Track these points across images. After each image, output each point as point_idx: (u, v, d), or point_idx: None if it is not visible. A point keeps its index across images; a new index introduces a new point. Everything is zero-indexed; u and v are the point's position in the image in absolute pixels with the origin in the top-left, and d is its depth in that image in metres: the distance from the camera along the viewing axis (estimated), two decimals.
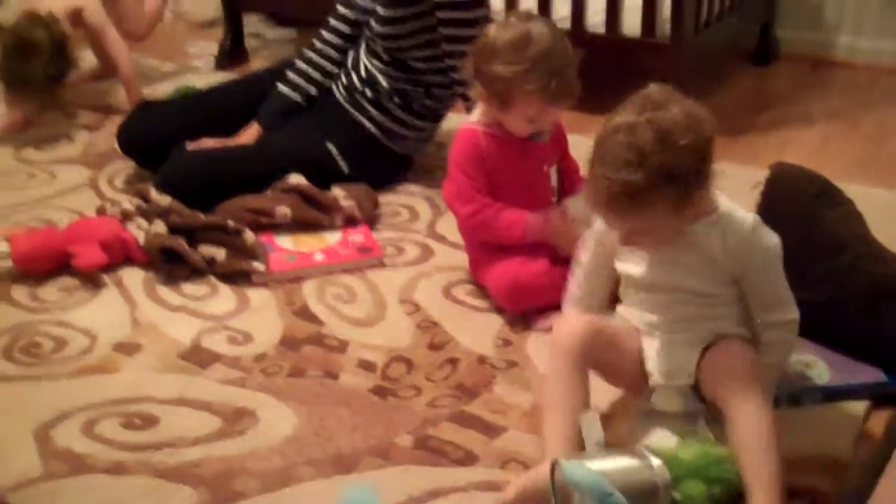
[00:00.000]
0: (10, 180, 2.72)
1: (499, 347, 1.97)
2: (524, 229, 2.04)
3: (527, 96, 1.95)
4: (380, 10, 2.51)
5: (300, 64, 2.70)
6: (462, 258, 2.21)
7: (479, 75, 1.96)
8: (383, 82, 2.56)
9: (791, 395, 1.75)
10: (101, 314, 2.10)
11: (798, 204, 1.92)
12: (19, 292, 2.18)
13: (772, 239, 1.58)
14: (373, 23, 2.54)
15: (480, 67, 1.95)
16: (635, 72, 3.25)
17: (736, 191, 2.19)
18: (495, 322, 2.04)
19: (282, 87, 2.67)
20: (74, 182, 2.70)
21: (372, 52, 2.59)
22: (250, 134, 2.63)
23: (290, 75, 2.68)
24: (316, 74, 2.68)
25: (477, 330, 2.02)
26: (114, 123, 2.93)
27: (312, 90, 2.67)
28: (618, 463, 1.46)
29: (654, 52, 2.91)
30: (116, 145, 2.71)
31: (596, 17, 2.98)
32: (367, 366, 1.92)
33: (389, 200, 2.56)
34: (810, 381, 1.79)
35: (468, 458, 1.66)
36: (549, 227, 2.04)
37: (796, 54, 3.53)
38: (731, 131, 2.94)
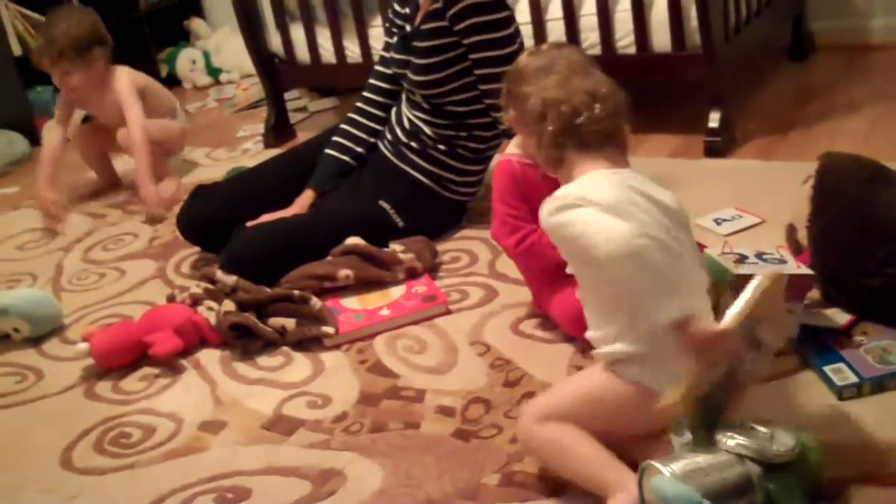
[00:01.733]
0: (83, 282, 2.81)
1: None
2: None
3: None
4: (414, 60, 2.57)
5: (345, 126, 2.77)
6: (526, 293, 2.22)
7: (510, 99, 1.99)
8: (427, 131, 2.61)
9: (874, 381, 1.73)
10: (183, 397, 2.16)
11: (851, 191, 1.91)
12: (103, 388, 2.25)
13: None
14: (409, 74, 2.60)
15: (511, 91, 1.98)
16: (670, 87, 3.29)
17: (787, 186, 2.21)
18: (566, 351, 2.05)
19: (330, 151, 2.74)
20: (143, 275, 2.79)
21: (412, 104, 2.64)
22: (304, 201, 2.69)
23: (337, 138, 2.75)
24: (362, 134, 2.74)
25: (549, 361, 2.03)
26: (174, 214, 3.03)
27: (360, 150, 2.73)
28: (709, 462, 1.44)
29: (687, 65, 2.92)
30: (178, 233, 2.80)
31: (624, 39, 3.01)
32: (446, 411, 1.94)
33: (448, 248, 2.59)
34: (892, 365, 1.76)
35: (557, 489, 1.66)
36: None
37: (832, 44, 3.52)
38: (778, 128, 2.93)
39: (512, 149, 2.11)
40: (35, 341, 2.50)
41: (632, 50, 2.99)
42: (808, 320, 1.93)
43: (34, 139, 4.11)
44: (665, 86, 3.27)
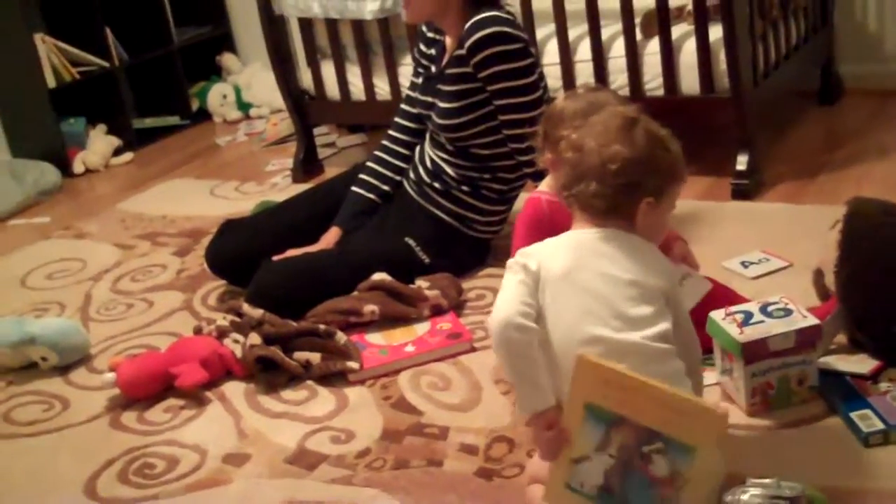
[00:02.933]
0: (110, 313, 2.84)
1: None
2: None
3: None
4: (439, 103, 2.59)
5: (371, 164, 2.79)
6: None
7: (546, 141, 2.00)
8: (450, 172, 2.63)
9: None
10: (207, 429, 2.17)
11: (879, 236, 1.91)
12: (128, 418, 2.27)
13: None
14: (433, 116, 2.62)
15: (549, 133, 1.99)
16: (697, 129, 3.29)
17: (815, 230, 2.20)
18: None
19: (356, 189, 2.76)
20: (170, 307, 2.81)
21: (436, 144, 2.66)
22: (330, 238, 2.70)
23: (363, 176, 2.77)
24: (387, 172, 2.76)
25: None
26: (202, 247, 3.06)
27: (385, 188, 2.75)
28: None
29: (716, 108, 2.94)
30: (206, 266, 2.83)
31: (653, 82, 3.03)
32: (469, 449, 1.93)
33: (473, 285, 2.60)
34: None
35: None
36: None
37: (861, 89, 3.52)
38: (806, 172, 2.93)
39: (544, 188, 2.12)
40: (62, 370, 2.52)
41: (660, 92, 3.01)
42: (834, 366, 1.92)
43: (66, 170, 4.16)
44: (693, 128, 3.27)
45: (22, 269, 3.18)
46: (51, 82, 4.20)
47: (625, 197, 1.62)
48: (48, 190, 3.98)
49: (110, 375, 2.31)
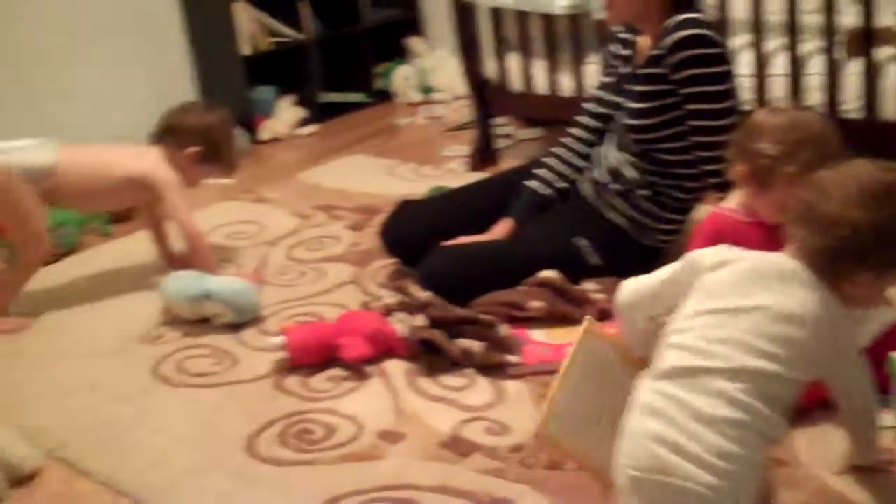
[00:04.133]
0: (284, 278, 2.93)
1: None
2: None
3: (787, 179, 1.92)
4: (629, 103, 2.56)
5: (549, 160, 2.78)
6: None
7: (742, 153, 1.95)
8: (630, 174, 2.59)
9: None
10: (366, 403, 2.22)
11: None
12: (292, 382, 2.34)
13: None
14: (622, 116, 2.59)
15: (745, 145, 1.94)
16: None
17: None
18: None
19: (532, 183, 2.76)
20: (340, 279, 2.88)
21: (620, 145, 2.63)
22: (502, 229, 2.71)
23: (540, 171, 2.77)
24: (565, 169, 2.75)
25: None
26: (376, 224, 3.13)
27: (562, 185, 2.74)
28: None
29: None
30: (378, 243, 2.88)
31: (851, 103, 2.91)
32: None
33: None
34: None
35: None
36: None
37: None
38: None
39: (730, 202, 2.06)
40: (234, 328, 2.62)
41: (858, 115, 2.89)
42: None
43: (253, 135, 4.32)
44: (892, 154, 3.13)
45: (204, 227, 3.31)
46: (246, 50, 4.36)
47: (845, 264, 1.53)
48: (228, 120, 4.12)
49: (279, 339, 2.39)
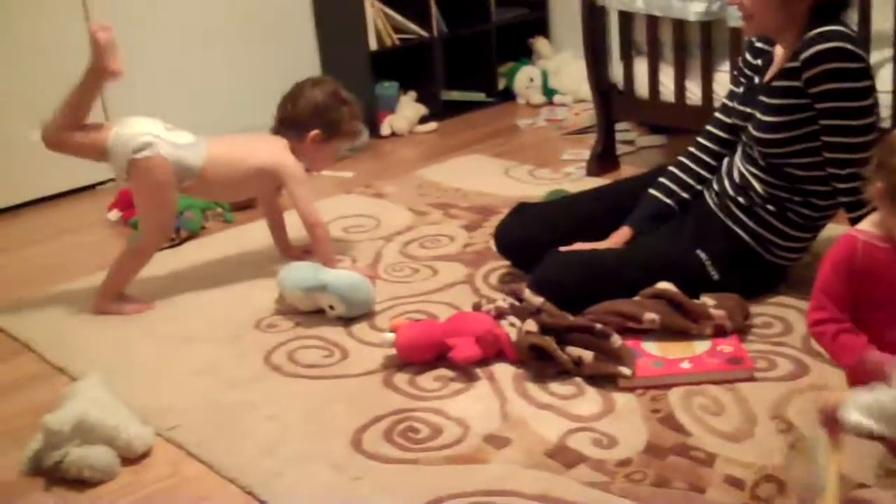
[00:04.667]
0: (397, 274, 2.94)
1: (880, 478, 1.82)
2: (857, 361, 1.87)
3: None
4: (760, 115, 2.48)
5: (674, 169, 2.72)
6: (840, 377, 2.08)
7: (880, 169, 1.85)
8: (758, 188, 2.51)
9: None
10: (473, 406, 2.20)
11: None
12: (400, 379, 2.34)
13: None
14: (750, 129, 2.51)
15: (884, 161, 1.84)
16: None
17: None
18: (878, 451, 1.89)
19: (654, 192, 2.70)
20: (453, 278, 2.87)
21: (748, 158, 2.55)
22: (620, 237, 2.67)
23: (663, 180, 2.71)
24: (689, 180, 2.69)
25: (857, 458, 1.87)
26: (491, 224, 3.11)
27: (685, 195, 2.68)
28: None
29: None
30: (493, 245, 2.87)
31: None
32: (735, 482, 1.85)
33: (761, 311, 2.49)
34: None
35: None
36: (887, 373, 1.77)
37: None
38: None
39: (866, 225, 1.96)
40: (346, 321, 2.64)
41: None
42: None
43: (373, 131, 4.36)
44: None
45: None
46: (373, 45, 4.40)
47: None
48: (357, 147, 4.18)
49: (390, 335, 2.40)
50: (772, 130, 2.44)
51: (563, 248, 2.60)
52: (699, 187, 2.68)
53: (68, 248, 3.43)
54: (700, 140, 2.73)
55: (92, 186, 3.94)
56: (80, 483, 2.04)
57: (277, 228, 3.14)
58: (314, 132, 2.92)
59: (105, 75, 2.64)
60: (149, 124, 2.78)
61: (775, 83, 2.45)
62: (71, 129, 2.70)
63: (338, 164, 4.03)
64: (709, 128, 2.73)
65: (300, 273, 2.69)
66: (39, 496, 2.03)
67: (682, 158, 2.74)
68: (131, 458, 2.10)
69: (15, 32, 3.73)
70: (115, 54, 2.65)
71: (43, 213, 3.80)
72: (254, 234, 3.27)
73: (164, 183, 2.76)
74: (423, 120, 4.54)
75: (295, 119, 2.94)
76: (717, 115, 2.73)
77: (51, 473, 2.06)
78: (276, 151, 2.91)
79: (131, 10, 3.97)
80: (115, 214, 3.59)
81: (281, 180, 2.90)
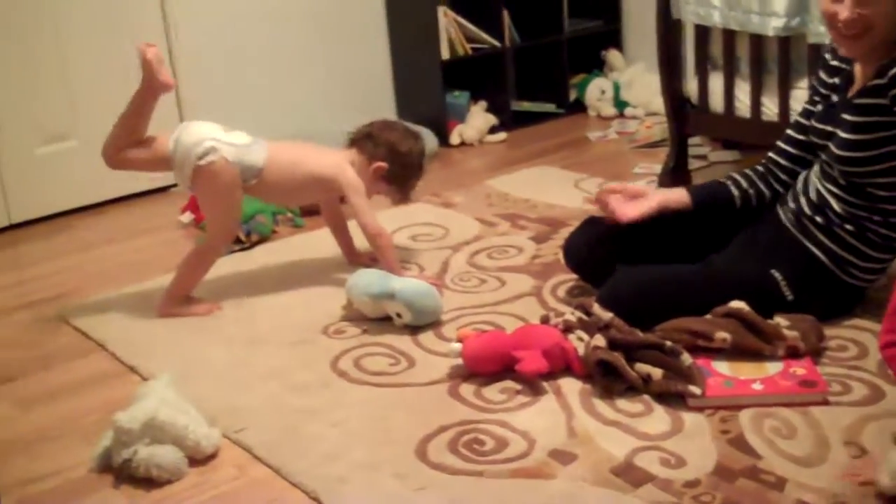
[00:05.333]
0: (464, 284, 2.94)
1: None
2: None
3: None
4: (840, 133, 2.43)
5: (748, 171, 2.69)
6: None
7: None
8: (836, 207, 2.46)
9: None
10: (539, 419, 2.19)
11: None
12: (466, 390, 2.34)
13: None
14: (831, 147, 2.46)
15: None
16: None
17: None
18: None
19: (724, 181, 2.71)
20: (520, 290, 2.86)
21: (826, 176, 2.50)
22: (675, 195, 2.69)
23: (735, 175, 2.69)
24: (760, 185, 2.67)
25: None
26: (559, 237, 3.10)
27: (752, 195, 2.66)
28: None
29: None
30: (561, 258, 2.85)
31: None
32: None
33: (836, 334, 2.43)
34: None
35: None
36: None
37: None
38: None
39: None
40: (413, 329, 2.64)
41: None
42: None
43: (442, 140, 4.36)
44: None
45: (389, 227, 3.33)
46: (444, 54, 4.41)
47: None
48: (426, 155, 4.19)
49: (457, 345, 2.39)
50: (855, 149, 2.39)
51: (633, 265, 2.57)
52: (768, 195, 2.66)
53: (144, 247, 3.50)
54: (772, 156, 2.69)
55: (166, 188, 4.01)
56: (148, 482, 2.06)
57: (342, 236, 3.16)
58: (383, 165, 2.94)
59: (158, 90, 2.70)
60: (208, 128, 2.81)
61: (858, 101, 2.40)
62: (130, 147, 2.75)
63: None
64: (781, 145, 2.69)
65: (368, 280, 2.70)
66: (108, 494, 2.06)
67: (756, 168, 2.71)
68: (199, 459, 2.13)
69: (101, 46, 3.84)
70: (164, 68, 2.71)
71: (125, 212, 3.89)
72: (323, 240, 3.29)
73: (229, 186, 2.80)
74: (492, 130, 4.53)
75: (379, 141, 2.97)
76: (790, 131, 2.68)
77: (119, 471, 2.09)
78: (335, 161, 2.93)
79: (210, 24, 4.04)
80: (187, 217, 3.64)
81: (339, 190, 2.92)
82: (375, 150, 2.96)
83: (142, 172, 2.87)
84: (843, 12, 2.30)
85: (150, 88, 2.70)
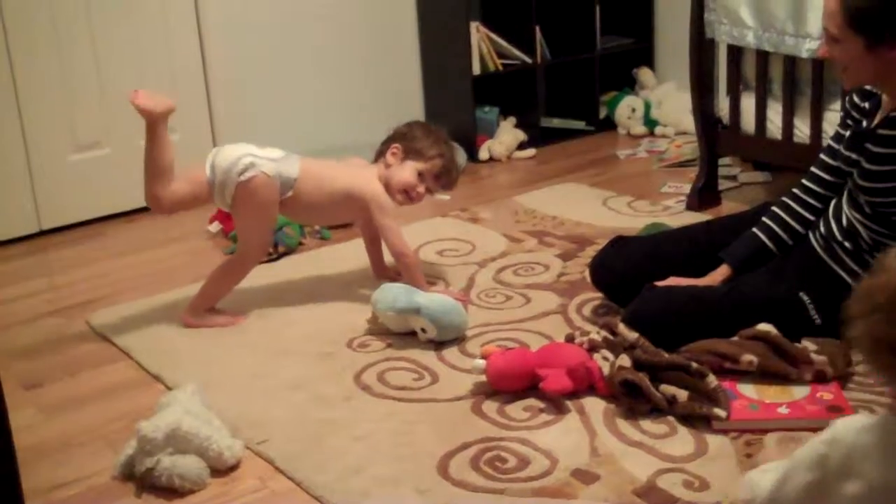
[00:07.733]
0: (490, 300, 2.93)
1: None
2: None
3: None
4: (864, 163, 2.41)
5: (778, 210, 2.65)
6: None
7: None
8: (864, 235, 2.44)
9: None
10: (562, 438, 2.18)
11: None
12: (489, 407, 2.33)
13: None
14: (856, 175, 2.44)
15: None
16: None
17: None
18: None
19: (756, 232, 2.64)
20: (546, 308, 2.85)
21: (853, 204, 2.48)
22: (719, 274, 2.61)
23: (766, 220, 2.65)
24: (792, 222, 2.62)
25: None
26: (586, 255, 3.09)
27: (787, 238, 2.61)
28: None
29: None
30: (588, 276, 2.84)
31: None
32: None
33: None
34: None
35: None
36: None
37: None
38: None
39: None
40: (437, 345, 2.64)
41: None
42: None
43: (471, 155, 4.37)
44: None
45: (416, 241, 3.36)
46: (476, 69, 4.42)
47: None
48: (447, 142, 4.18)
49: (481, 362, 2.39)
50: (877, 179, 2.37)
51: (660, 284, 2.56)
52: (802, 231, 2.61)
53: (171, 256, 3.52)
54: (805, 182, 2.66)
55: None
56: (170, 491, 2.07)
57: (374, 249, 3.16)
58: (395, 147, 2.95)
59: (162, 118, 2.70)
60: (241, 148, 2.83)
61: (881, 131, 2.38)
62: (166, 184, 2.75)
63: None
64: (814, 170, 2.66)
65: (394, 294, 2.70)
66: (130, 502, 2.07)
67: (786, 199, 2.67)
68: (221, 470, 2.13)
69: (136, 55, 3.88)
70: (155, 97, 2.70)
71: (154, 220, 3.90)
72: (350, 253, 3.30)
73: (269, 201, 2.81)
74: (521, 146, 4.53)
75: (386, 139, 2.99)
76: (822, 156, 2.65)
77: (142, 480, 2.10)
78: (365, 177, 2.94)
79: (244, 41, 4.08)
80: (215, 226, 3.66)
81: (367, 209, 2.92)
82: (387, 144, 2.99)
83: (194, 209, 2.92)
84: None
85: (153, 122, 2.68)
